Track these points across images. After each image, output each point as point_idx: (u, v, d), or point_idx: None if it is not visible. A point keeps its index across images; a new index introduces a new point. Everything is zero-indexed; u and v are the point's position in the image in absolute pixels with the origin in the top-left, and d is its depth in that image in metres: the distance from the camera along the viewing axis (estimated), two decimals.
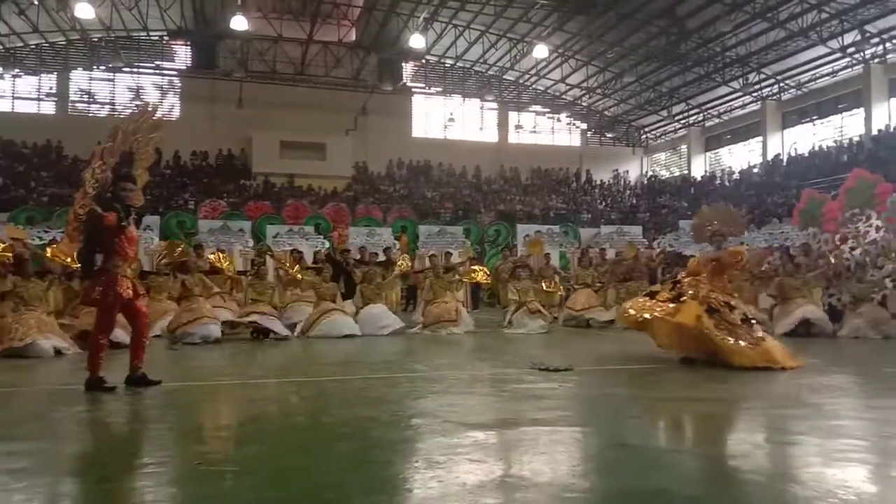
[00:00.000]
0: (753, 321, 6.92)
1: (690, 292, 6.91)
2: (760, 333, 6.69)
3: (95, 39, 28.93)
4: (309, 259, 13.57)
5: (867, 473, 3.20)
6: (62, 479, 3.17)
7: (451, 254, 13.92)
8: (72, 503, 2.85)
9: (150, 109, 6.47)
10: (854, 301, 10.72)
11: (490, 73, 33.14)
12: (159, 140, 6.23)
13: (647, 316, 7.06)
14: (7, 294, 8.44)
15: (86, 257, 5.52)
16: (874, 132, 24.14)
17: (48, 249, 9.69)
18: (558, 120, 36.39)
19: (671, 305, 6.92)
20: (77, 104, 30.24)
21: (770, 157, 29.11)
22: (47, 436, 4.00)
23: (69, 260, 8.55)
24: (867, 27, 23.01)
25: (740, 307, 6.94)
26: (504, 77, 33.51)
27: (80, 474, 3.29)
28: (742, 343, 6.41)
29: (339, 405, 4.88)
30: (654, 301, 7.22)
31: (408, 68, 32.96)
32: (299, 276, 11.16)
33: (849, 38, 23.57)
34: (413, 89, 33.80)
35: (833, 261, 11.42)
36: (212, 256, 11.70)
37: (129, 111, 6.63)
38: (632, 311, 7.36)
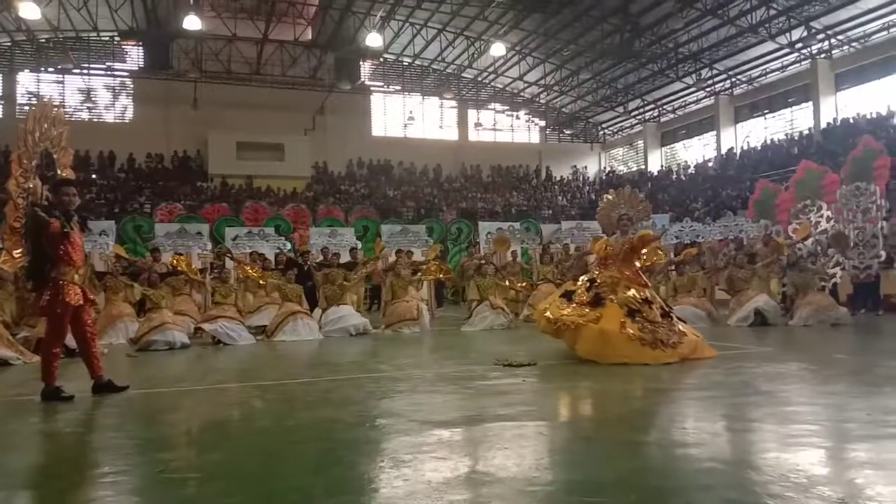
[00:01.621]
0: (672, 314, 6.92)
1: (611, 296, 6.71)
2: (681, 327, 6.73)
3: (43, 40, 28.18)
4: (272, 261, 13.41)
5: (818, 457, 3.31)
6: (18, 493, 3.08)
7: (412, 252, 13.92)
8: None
9: (47, 105, 6.38)
10: (797, 290, 11.03)
11: (448, 71, 33.19)
12: (68, 135, 6.14)
13: (568, 323, 6.70)
14: None
15: (36, 268, 5.36)
16: (823, 125, 24.88)
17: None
18: (517, 117, 36.63)
19: (593, 312, 6.68)
20: (25, 107, 29.34)
21: (724, 150, 29.77)
22: (1, 448, 3.89)
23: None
24: (813, 24, 23.71)
25: (657, 300, 6.89)
26: (462, 75, 33.60)
27: (38, 487, 3.21)
28: (664, 348, 6.36)
29: (303, 408, 4.85)
30: (573, 305, 6.88)
31: (365, 67, 32.81)
32: (261, 280, 11.04)
33: (796, 34, 24.29)
34: (371, 88, 33.66)
35: (787, 252, 11.73)
36: (173, 259, 11.53)
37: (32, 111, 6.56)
38: (549, 315, 6.92)
